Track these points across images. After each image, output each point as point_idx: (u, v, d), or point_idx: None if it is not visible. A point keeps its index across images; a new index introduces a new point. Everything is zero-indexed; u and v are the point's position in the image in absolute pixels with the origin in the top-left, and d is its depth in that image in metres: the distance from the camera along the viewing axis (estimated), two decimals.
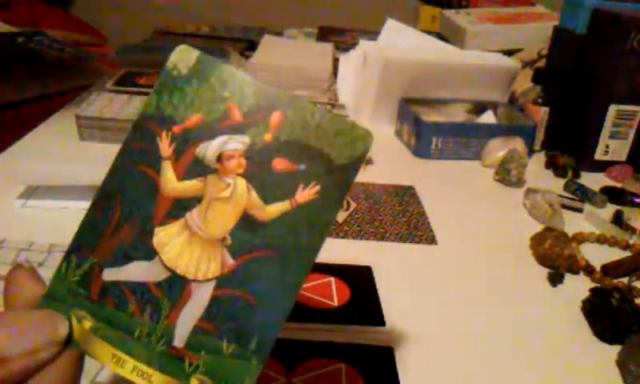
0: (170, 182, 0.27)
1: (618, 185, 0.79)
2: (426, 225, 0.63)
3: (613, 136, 0.82)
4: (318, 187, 0.26)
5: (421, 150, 0.83)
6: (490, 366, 0.43)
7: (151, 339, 0.26)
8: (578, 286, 0.54)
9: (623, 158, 0.83)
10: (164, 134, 0.27)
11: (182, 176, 0.27)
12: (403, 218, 0.64)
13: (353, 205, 0.65)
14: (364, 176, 0.74)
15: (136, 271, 0.26)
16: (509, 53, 1.07)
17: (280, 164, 0.26)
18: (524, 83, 0.98)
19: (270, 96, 0.27)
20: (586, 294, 0.50)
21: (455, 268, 0.56)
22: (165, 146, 0.27)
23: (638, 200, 0.73)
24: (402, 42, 1.01)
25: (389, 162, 0.81)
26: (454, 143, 0.83)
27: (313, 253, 0.26)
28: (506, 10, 1.36)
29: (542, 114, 0.88)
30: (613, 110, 0.80)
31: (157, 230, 0.26)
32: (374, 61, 0.90)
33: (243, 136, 0.26)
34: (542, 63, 1.04)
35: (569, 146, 0.85)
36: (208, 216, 0.26)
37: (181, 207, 0.26)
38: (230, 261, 0.26)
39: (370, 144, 0.26)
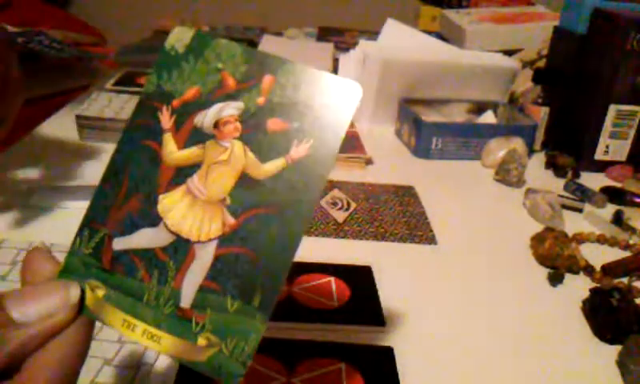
0: (172, 152, 0.28)
1: (618, 185, 0.78)
2: (425, 225, 0.63)
3: (613, 136, 0.82)
4: (311, 141, 0.27)
5: (421, 150, 0.83)
6: (490, 366, 0.43)
7: (159, 302, 0.27)
8: (578, 286, 0.54)
9: (623, 158, 0.83)
10: (164, 108, 0.29)
11: (183, 145, 0.28)
12: (403, 217, 0.64)
13: (353, 205, 0.65)
14: (364, 176, 0.74)
15: (143, 238, 0.27)
16: (509, 53, 1.07)
17: (274, 124, 0.27)
18: (524, 83, 0.98)
19: (261, 61, 0.28)
20: (586, 294, 0.50)
21: (455, 268, 0.56)
22: (165, 119, 0.28)
23: (638, 200, 0.73)
24: (401, 42, 1.01)
25: (389, 162, 0.81)
26: (453, 143, 0.83)
27: (310, 206, 0.27)
28: (506, 9, 1.36)
29: (542, 114, 0.88)
30: (613, 110, 0.80)
31: (161, 197, 0.28)
32: (373, 61, 0.90)
33: (238, 102, 0.28)
34: (542, 63, 1.04)
35: (569, 146, 0.85)
36: (208, 179, 0.28)
37: (182, 174, 0.28)
38: (231, 220, 0.27)
39: (359, 97, 0.27)
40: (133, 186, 0.28)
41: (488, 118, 0.93)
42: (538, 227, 0.62)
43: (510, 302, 0.51)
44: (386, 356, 0.42)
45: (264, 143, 0.27)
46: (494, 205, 0.71)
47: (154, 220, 0.27)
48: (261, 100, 0.28)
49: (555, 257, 0.56)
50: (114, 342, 0.40)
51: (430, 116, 0.89)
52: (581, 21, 0.83)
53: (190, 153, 0.28)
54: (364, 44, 0.96)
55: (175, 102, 0.28)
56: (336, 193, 0.67)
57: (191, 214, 0.27)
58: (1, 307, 0.24)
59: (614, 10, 0.79)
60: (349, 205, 0.65)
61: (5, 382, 0.24)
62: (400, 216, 0.64)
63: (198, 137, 0.28)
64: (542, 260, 0.57)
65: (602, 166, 0.83)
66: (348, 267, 0.53)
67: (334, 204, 0.65)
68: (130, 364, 0.38)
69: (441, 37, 1.25)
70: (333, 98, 0.27)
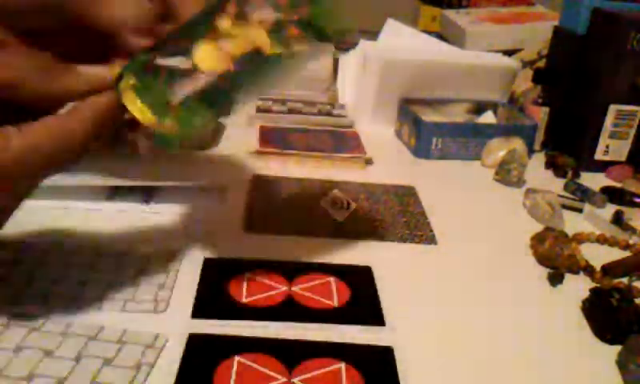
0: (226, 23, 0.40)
1: (618, 185, 0.79)
2: (425, 225, 0.63)
3: (613, 136, 0.82)
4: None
5: (421, 150, 0.83)
6: (489, 366, 0.43)
7: (161, 99, 0.38)
8: (578, 286, 0.54)
9: (623, 158, 0.83)
10: None
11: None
12: (403, 218, 0.64)
13: (353, 205, 0.65)
14: (364, 176, 0.74)
15: (176, 61, 0.39)
16: (509, 53, 1.07)
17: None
18: (524, 83, 0.98)
19: None
20: (586, 294, 0.50)
21: (455, 268, 0.56)
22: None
23: (638, 200, 0.73)
24: (401, 42, 1.01)
25: (389, 162, 0.81)
26: (453, 143, 0.83)
27: (283, 77, 0.40)
28: (506, 9, 1.36)
29: (542, 114, 0.88)
30: (613, 110, 0.80)
31: (202, 43, 0.39)
32: (373, 61, 0.90)
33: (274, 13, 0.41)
34: (542, 63, 1.04)
35: (569, 145, 0.85)
36: (235, 45, 0.39)
37: (224, 36, 0.40)
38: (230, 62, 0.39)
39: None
40: (187, 31, 0.40)
41: (488, 118, 0.93)
42: (538, 227, 0.62)
43: (510, 302, 0.51)
44: (386, 356, 0.42)
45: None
46: (494, 205, 0.71)
47: (188, 53, 0.39)
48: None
49: (555, 257, 0.56)
50: (114, 342, 0.40)
51: (430, 116, 0.89)
52: (581, 21, 0.83)
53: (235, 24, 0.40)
54: (364, 44, 0.96)
55: None
56: (336, 193, 0.67)
57: (211, 56, 0.39)
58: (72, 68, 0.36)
59: (614, 10, 0.79)
60: (349, 205, 0.65)
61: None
62: (400, 216, 0.64)
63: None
64: (542, 260, 0.57)
65: (602, 166, 0.83)
66: (348, 267, 0.53)
67: (334, 204, 0.65)
68: (129, 364, 0.38)
69: (441, 37, 1.25)
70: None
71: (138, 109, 0.38)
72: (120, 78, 0.38)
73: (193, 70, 0.39)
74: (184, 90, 0.39)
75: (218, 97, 0.39)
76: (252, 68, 0.40)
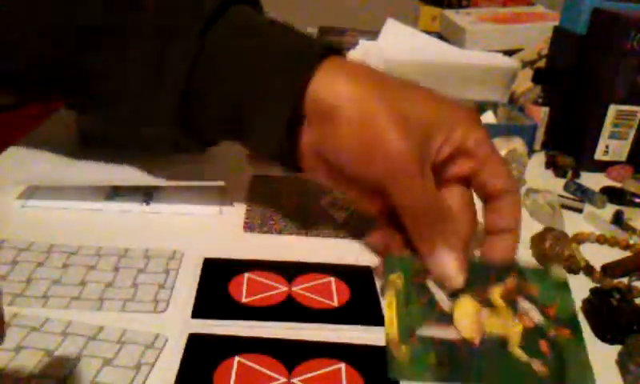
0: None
1: (618, 185, 0.79)
2: None
3: (613, 136, 0.82)
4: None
5: None
6: None
7: (414, 316, 0.41)
8: (578, 286, 0.54)
9: (623, 158, 0.83)
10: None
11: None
12: None
13: (353, 205, 0.65)
14: None
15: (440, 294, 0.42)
16: (509, 53, 1.07)
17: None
18: (524, 83, 0.98)
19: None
20: (586, 294, 0.50)
21: None
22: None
23: (638, 200, 0.73)
24: (402, 42, 1.01)
25: None
26: None
27: None
28: (506, 9, 1.35)
29: (541, 114, 0.88)
30: (613, 110, 0.80)
31: (469, 296, 0.41)
32: (374, 61, 0.89)
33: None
34: (542, 63, 1.04)
35: (569, 145, 0.85)
36: (490, 320, 0.41)
37: (485, 304, 0.42)
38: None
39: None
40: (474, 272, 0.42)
41: (488, 118, 0.93)
42: (538, 227, 0.62)
43: None
44: (386, 356, 0.42)
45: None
46: None
47: (455, 295, 0.41)
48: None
49: (555, 257, 0.56)
50: (114, 342, 0.40)
51: None
52: (581, 21, 0.83)
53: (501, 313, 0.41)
54: (364, 44, 0.96)
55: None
56: (336, 193, 0.67)
57: (469, 314, 0.41)
58: None
59: (613, 10, 0.79)
60: (349, 205, 0.65)
61: None
62: None
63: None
64: (542, 260, 0.57)
65: (602, 166, 0.83)
66: (348, 267, 0.52)
67: (334, 204, 0.65)
68: (129, 364, 0.38)
69: (441, 37, 1.25)
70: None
71: (389, 314, 0.40)
72: (391, 262, 0.43)
73: (448, 317, 0.40)
74: (430, 328, 0.39)
75: (450, 359, 0.38)
76: (489, 355, 0.38)
